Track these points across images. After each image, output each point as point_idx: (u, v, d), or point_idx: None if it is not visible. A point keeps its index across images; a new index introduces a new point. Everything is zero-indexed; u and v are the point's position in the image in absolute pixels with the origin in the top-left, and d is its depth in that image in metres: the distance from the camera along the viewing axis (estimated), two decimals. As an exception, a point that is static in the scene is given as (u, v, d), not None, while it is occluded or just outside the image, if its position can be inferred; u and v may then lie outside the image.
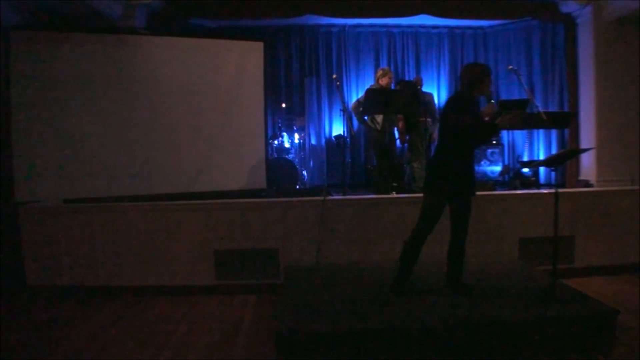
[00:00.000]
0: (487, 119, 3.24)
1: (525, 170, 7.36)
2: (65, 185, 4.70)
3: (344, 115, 6.16)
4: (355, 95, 8.26)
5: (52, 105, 4.67)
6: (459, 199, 3.34)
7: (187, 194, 5.00)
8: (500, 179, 7.49)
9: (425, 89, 7.13)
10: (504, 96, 8.04)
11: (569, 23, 6.69)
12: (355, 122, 7.50)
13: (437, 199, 3.29)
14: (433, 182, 3.32)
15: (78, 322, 3.77)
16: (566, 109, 7.04)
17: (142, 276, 4.42)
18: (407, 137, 6.48)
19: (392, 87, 6.22)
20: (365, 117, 5.94)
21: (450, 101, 3.39)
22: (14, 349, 3.30)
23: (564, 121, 6.11)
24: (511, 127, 5.49)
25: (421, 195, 3.45)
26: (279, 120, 7.58)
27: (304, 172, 7.28)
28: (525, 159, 7.93)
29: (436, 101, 7.63)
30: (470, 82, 3.24)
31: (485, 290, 3.43)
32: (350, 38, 8.41)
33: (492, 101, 3.19)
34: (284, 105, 7.71)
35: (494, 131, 3.41)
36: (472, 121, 3.16)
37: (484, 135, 3.40)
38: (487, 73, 3.25)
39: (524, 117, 5.17)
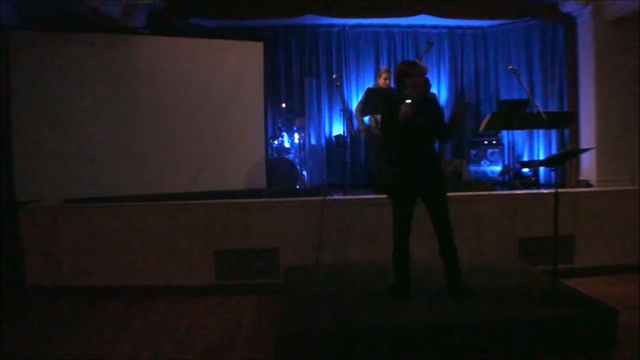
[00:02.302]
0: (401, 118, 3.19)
1: (525, 170, 7.35)
2: (65, 185, 4.70)
3: (344, 115, 6.16)
4: (355, 95, 8.26)
5: (52, 105, 4.67)
6: (425, 196, 3.33)
7: (187, 194, 5.00)
8: (500, 179, 7.48)
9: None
10: (504, 96, 8.04)
11: (569, 23, 6.69)
12: (356, 122, 7.50)
13: (394, 198, 3.34)
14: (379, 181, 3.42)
15: (78, 322, 3.77)
16: (566, 109, 7.04)
17: (142, 276, 4.42)
18: None
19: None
20: (366, 120, 5.93)
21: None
22: (14, 348, 3.30)
23: (564, 121, 6.11)
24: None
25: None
26: (279, 120, 7.57)
27: (304, 172, 7.27)
28: (525, 159, 7.92)
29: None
30: (395, 80, 3.35)
31: (485, 290, 3.43)
32: (350, 38, 8.40)
33: (408, 102, 3.14)
34: (284, 105, 7.70)
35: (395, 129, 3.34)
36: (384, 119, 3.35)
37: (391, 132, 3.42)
38: (406, 73, 3.26)
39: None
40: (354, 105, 8.03)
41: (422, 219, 3.39)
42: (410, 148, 3.31)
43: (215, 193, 5.05)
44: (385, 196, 3.51)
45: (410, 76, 3.25)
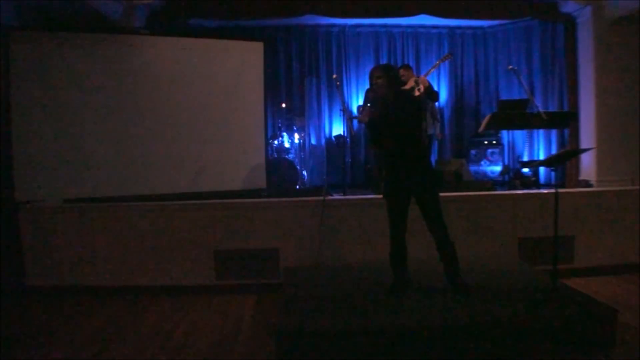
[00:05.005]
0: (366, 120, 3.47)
1: (525, 170, 7.35)
2: (65, 185, 4.70)
3: (344, 115, 6.16)
4: (355, 95, 8.27)
5: (52, 105, 4.67)
6: (415, 194, 3.35)
7: (187, 194, 5.00)
8: (500, 179, 7.48)
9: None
10: (504, 96, 8.04)
11: (569, 23, 6.69)
12: (356, 122, 7.49)
13: (387, 197, 3.39)
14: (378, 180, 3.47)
15: (78, 322, 3.77)
16: (566, 109, 7.04)
17: (142, 276, 4.42)
18: None
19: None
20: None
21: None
22: (14, 349, 3.30)
23: (564, 121, 6.11)
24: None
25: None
26: (279, 120, 7.57)
27: (304, 172, 7.27)
28: (525, 159, 7.93)
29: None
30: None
31: (485, 290, 3.42)
32: (350, 38, 8.41)
33: (368, 105, 3.35)
34: (284, 105, 7.70)
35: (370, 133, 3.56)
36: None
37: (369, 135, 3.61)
38: (373, 76, 3.56)
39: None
40: (354, 105, 8.06)
41: (420, 218, 3.40)
42: (395, 148, 3.37)
43: (215, 193, 5.05)
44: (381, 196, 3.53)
45: (370, 80, 3.51)
